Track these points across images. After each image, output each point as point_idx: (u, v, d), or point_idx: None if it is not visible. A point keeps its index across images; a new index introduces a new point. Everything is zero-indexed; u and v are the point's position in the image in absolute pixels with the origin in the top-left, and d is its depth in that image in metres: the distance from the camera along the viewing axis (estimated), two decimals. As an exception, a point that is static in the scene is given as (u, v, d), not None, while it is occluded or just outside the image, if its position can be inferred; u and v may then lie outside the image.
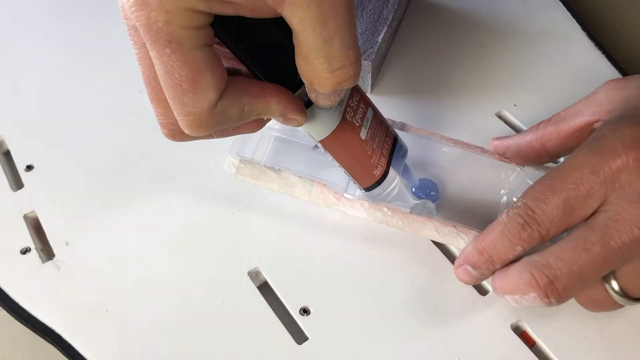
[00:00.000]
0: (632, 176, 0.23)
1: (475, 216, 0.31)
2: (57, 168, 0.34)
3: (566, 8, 0.41)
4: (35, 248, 0.31)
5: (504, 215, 0.25)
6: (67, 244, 0.31)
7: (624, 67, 0.37)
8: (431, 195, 0.30)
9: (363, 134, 0.26)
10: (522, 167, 0.30)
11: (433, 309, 0.28)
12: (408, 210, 0.29)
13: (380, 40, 0.36)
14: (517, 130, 0.35)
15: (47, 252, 0.31)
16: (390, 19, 0.37)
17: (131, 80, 0.36)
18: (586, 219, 0.24)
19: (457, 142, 0.31)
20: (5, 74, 0.39)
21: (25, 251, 0.31)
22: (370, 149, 0.27)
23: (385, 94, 0.37)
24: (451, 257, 0.30)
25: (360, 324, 0.28)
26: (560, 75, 0.37)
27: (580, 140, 0.26)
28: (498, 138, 0.31)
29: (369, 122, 0.27)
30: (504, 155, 0.30)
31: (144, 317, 0.28)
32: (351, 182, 0.29)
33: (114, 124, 0.36)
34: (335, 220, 0.31)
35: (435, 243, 0.30)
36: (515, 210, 0.25)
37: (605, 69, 0.37)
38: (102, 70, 0.39)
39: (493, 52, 0.39)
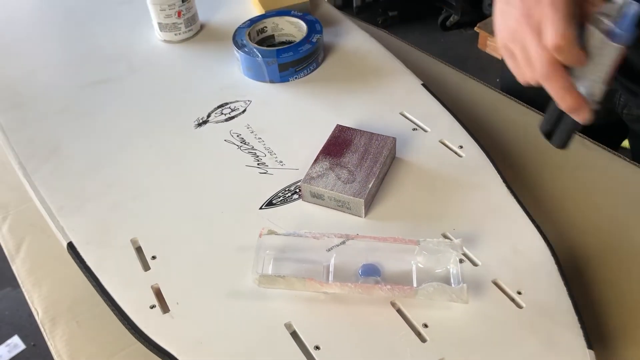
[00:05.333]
0: None
1: (399, 279, 0.52)
2: (173, 258, 0.56)
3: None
4: (158, 305, 0.52)
5: None
6: (178, 303, 0.52)
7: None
8: (376, 273, 0.52)
9: None
10: (418, 244, 0.52)
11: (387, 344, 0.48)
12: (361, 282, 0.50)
13: (370, 187, 0.58)
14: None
15: (164, 308, 0.52)
16: (378, 172, 0.60)
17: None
18: None
19: (387, 239, 0.53)
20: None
21: (152, 307, 0.52)
22: None
23: (374, 219, 0.59)
24: (393, 308, 0.50)
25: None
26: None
27: None
28: None
29: None
30: None
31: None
32: (327, 273, 0.51)
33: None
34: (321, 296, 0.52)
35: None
36: None
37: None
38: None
39: (444, 197, 0.60)
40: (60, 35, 0.90)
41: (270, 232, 0.55)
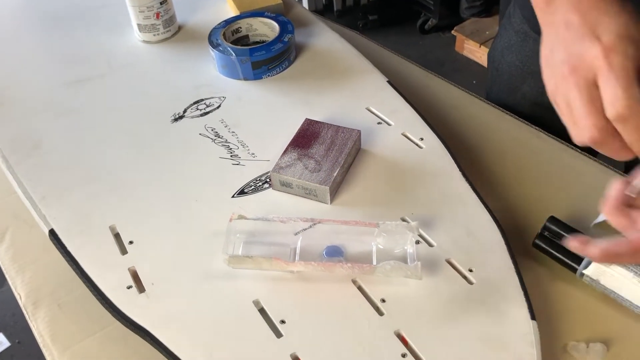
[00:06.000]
0: None
1: (360, 259, 0.56)
2: (149, 243, 0.60)
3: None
4: (135, 286, 0.56)
5: None
6: (153, 284, 0.56)
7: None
8: (339, 254, 0.56)
9: None
10: (378, 226, 0.56)
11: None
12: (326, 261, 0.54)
13: (335, 175, 0.62)
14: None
15: (140, 288, 0.56)
16: (343, 162, 0.64)
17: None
18: None
19: (349, 222, 0.57)
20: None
21: (129, 287, 0.56)
22: None
23: (339, 205, 0.63)
24: (354, 285, 0.54)
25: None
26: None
27: None
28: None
29: None
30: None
31: (194, 323, 0.53)
32: (294, 255, 0.55)
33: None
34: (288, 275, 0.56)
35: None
36: None
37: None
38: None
39: (407, 187, 0.65)
40: (42, 36, 0.94)
41: (240, 217, 0.59)
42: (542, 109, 0.71)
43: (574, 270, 0.56)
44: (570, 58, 0.41)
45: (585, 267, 0.55)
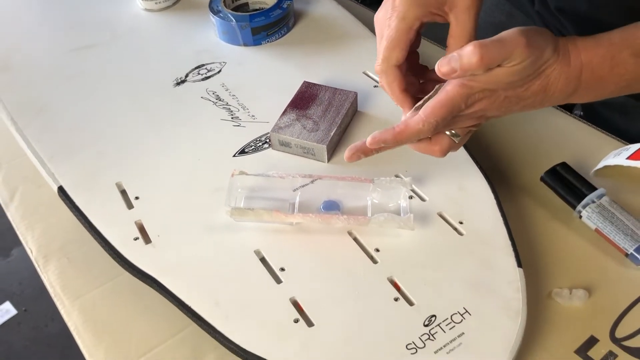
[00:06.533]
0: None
1: (356, 213, 0.59)
2: (155, 198, 0.62)
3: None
4: (141, 237, 0.59)
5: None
6: (159, 235, 0.59)
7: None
8: (336, 207, 0.58)
9: None
10: (373, 182, 0.59)
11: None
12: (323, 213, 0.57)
13: (332, 134, 0.65)
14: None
15: (146, 240, 0.59)
16: (339, 122, 0.66)
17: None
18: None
19: (346, 178, 0.60)
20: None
21: (136, 239, 0.58)
22: None
23: (336, 164, 0.65)
24: (350, 237, 0.57)
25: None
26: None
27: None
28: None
29: None
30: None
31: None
32: (293, 209, 0.58)
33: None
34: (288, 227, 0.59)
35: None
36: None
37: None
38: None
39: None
40: (47, 4, 0.95)
41: (241, 173, 0.61)
42: None
43: (574, 207, 0.60)
44: (381, 11, 0.53)
45: (585, 206, 0.59)
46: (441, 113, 0.48)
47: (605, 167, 0.63)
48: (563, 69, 0.49)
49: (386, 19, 0.51)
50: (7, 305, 1.57)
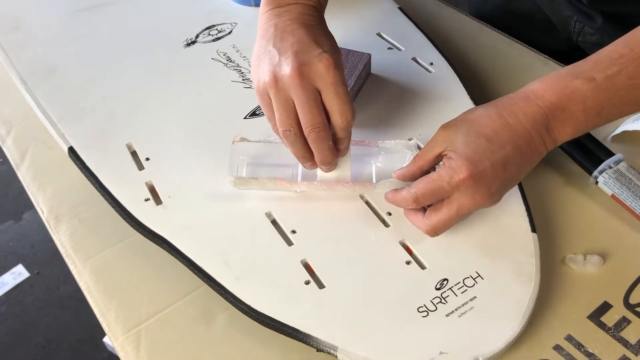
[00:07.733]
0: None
1: (361, 177, 0.58)
2: (165, 159, 0.62)
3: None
4: (152, 198, 0.58)
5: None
6: (169, 196, 0.58)
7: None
8: None
9: None
10: (377, 146, 0.58)
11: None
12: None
13: (345, 97, 0.63)
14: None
15: (157, 201, 0.58)
16: (352, 84, 0.65)
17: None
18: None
19: (355, 142, 0.58)
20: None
21: (147, 199, 0.58)
22: None
23: (348, 127, 0.64)
24: (362, 200, 0.56)
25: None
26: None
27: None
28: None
29: None
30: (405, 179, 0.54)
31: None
32: (296, 176, 0.57)
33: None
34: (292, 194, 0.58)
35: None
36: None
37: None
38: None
39: (417, 109, 0.66)
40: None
41: (242, 139, 0.60)
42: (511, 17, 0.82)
43: (590, 172, 0.59)
44: (297, 60, 0.50)
45: (602, 172, 0.58)
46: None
47: (624, 132, 0.62)
48: (527, 110, 0.50)
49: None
50: (20, 267, 1.58)
